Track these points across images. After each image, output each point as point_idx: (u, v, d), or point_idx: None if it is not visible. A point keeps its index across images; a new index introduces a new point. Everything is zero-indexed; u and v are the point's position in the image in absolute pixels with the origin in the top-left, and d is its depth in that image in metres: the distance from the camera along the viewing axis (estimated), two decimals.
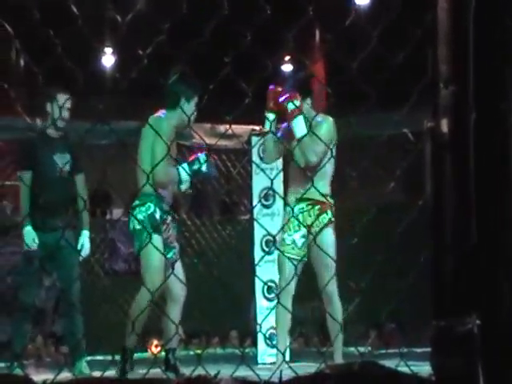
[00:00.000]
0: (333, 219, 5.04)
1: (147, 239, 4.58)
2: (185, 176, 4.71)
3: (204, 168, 4.75)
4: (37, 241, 5.46)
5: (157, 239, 4.58)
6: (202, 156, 4.78)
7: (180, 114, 4.67)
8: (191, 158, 4.81)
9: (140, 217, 4.63)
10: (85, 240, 5.68)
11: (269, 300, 7.21)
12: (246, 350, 8.25)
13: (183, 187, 4.79)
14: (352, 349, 5.10)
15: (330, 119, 5.10)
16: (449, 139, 1.72)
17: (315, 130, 4.92)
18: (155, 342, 9.77)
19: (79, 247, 5.66)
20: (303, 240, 5.01)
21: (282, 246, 5.03)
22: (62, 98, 5.54)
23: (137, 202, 4.68)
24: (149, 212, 4.64)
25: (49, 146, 5.58)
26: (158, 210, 4.65)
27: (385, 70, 2.36)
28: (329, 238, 4.97)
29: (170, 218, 4.74)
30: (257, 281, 7.15)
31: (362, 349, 6.72)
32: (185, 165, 4.74)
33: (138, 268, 6.46)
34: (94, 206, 13.49)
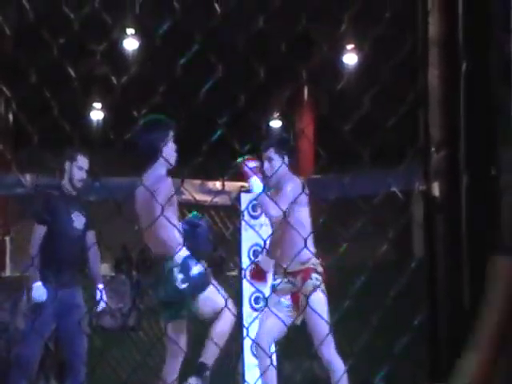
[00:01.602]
0: (319, 281, 5.01)
1: (207, 289, 4.50)
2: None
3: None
4: (45, 297, 5.47)
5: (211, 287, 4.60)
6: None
7: (164, 161, 4.67)
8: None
9: (193, 273, 4.58)
10: (102, 296, 5.83)
11: (257, 357, 7.15)
12: None
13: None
14: None
15: (297, 180, 5.17)
16: (441, 203, 1.74)
17: (280, 186, 5.00)
18: None
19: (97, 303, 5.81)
20: (290, 308, 5.02)
21: (271, 303, 5.03)
22: (82, 160, 5.61)
23: (176, 263, 4.58)
24: (201, 270, 4.60)
25: (68, 204, 5.61)
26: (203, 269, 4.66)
27: (376, 132, 2.39)
28: (318, 303, 4.93)
29: None
30: (245, 338, 7.10)
31: None
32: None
33: (126, 324, 6.40)
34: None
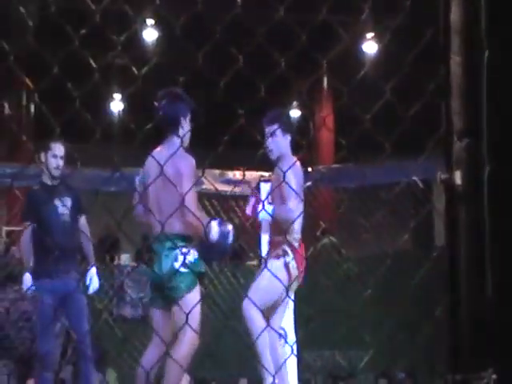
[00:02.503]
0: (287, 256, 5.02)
1: (193, 285, 4.37)
2: (215, 232, 4.59)
3: (229, 238, 4.68)
4: (33, 287, 5.46)
5: (199, 289, 4.45)
6: (230, 226, 4.72)
7: (183, 137, 4.58)
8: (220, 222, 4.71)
9: (188, 259, 4.43)
10: (93, 275, 5.68)
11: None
12: None
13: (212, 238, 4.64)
14: None
15: (297, 165, 5.09)
16: (463, 191, 1.73)
17: (280, 164, 4.99)
18: None
19: (87, 282, 5.67)
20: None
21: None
22: (56, 147, 5.61)
23: (181, 243, 4.45)
24: (195, 257, 4.48)
25: (48, 193, 5.60)
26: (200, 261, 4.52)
27: (397, 121, 2.38)
28: (275, 270, 4.92)
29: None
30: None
31: None
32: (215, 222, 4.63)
33: (147, 313, 6.33)
34: (102, 252, 13.49)
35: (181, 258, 4.42)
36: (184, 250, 4.44)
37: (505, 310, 1.66)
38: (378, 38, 13.52)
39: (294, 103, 15.58)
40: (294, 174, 4.90)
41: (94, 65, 2.00)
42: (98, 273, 5.76)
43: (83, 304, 5.61)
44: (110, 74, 13.14)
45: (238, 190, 8.19)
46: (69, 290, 5.44)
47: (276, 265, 4.94)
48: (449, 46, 1.73)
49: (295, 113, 16.03)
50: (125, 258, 13.84)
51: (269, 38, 2.43)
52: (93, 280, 5.70)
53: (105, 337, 9.99)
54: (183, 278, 4.41)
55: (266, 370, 4.76)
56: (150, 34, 13.86)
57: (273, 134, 5.10)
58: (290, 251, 4.97)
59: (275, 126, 5.12)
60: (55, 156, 5.63)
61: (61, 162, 5.65)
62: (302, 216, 5.03)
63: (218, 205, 11.34)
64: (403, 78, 2.20)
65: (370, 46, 13.74)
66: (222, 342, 9.89)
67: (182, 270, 4.41)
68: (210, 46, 2.16)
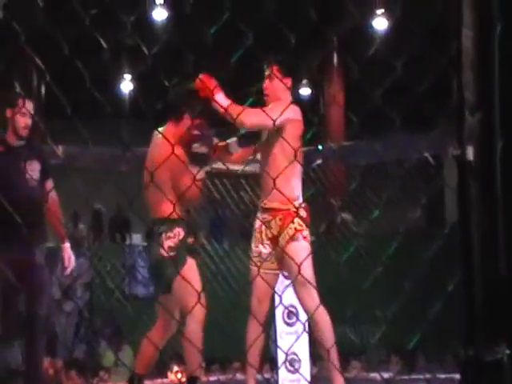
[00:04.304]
0: (301, 227, 4.44)
1: (183, 264, 4.33)
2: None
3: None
4: None
5: (193, 263, 4.46)
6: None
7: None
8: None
9: (170, 243, 4.44)
10: (68, 253, 5.13)
11: (289, 325, 7.18)
12: (267, 376, 8.21)
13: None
14: (375, 374, 5.05)
15: (295, 107, 4.34)
16: (475, 167, 1.72)
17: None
18: (175, 367, 9.73)
19: (66, 263, 5.13)
20: (268, 252, 4.55)
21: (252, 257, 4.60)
22: (25, 104, 5.07)
23: (163, 228, 4.45)
24: (180, 238, 4.44)
25: (13, 155, 5.05)
26: (188, 235, 4.47)
27: (409, 96, 2.37)
28: (299, 250, 4.41)
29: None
30: (277, 306, 7.12)
31: (385, 374, 6.69)
32: None
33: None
34: (113, 231, 13.55)
35: (166, 242, 4.41)
36: (169, 234, 4.43)
37: None
38: (388, 13, 13.44)
39: (304, 80, 15.51)
40: (291, 124, 4.23)
41: (104, 45, 2.00)
42: (73, 249, 5.25)
43: (46, 280, 5.11)
44: (120, 54, 13.11)
45: (248, 168, 8.16)
46: (31, 263, 4.86)
47: (302, 247, 4.42)
48: (461, 19, 1.71)
49: (305, 91, 15.97)
50: (136, 238, 13.90)
51: (278, 14, 2.41)
52: (70, 259, 5.14)
53: (118, 315, 10.04)
54: (170, 264, 4.36)
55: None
56: (159, 14, 13.81)
57: (271, 76, 4.28)
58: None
59: (276, 68, 4.31)
60: (24, 114, 5.06)
61: (29, 121, 5.09)
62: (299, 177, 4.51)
63: (229, 184, 11.33)
64: (414, 53, 2.19)
65: (380, 22, 13.66)
66: (233, 320, 9.93)
67: (167, 255, 4.37)
68: (219, 23, 2.15)
